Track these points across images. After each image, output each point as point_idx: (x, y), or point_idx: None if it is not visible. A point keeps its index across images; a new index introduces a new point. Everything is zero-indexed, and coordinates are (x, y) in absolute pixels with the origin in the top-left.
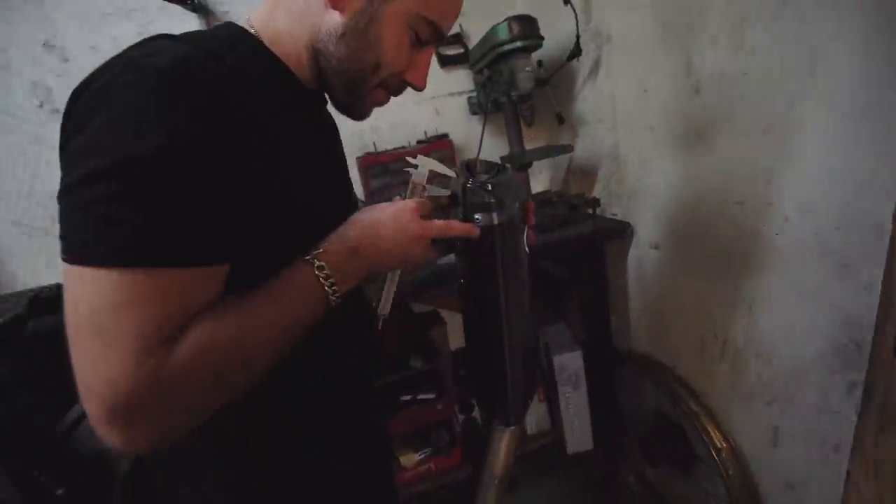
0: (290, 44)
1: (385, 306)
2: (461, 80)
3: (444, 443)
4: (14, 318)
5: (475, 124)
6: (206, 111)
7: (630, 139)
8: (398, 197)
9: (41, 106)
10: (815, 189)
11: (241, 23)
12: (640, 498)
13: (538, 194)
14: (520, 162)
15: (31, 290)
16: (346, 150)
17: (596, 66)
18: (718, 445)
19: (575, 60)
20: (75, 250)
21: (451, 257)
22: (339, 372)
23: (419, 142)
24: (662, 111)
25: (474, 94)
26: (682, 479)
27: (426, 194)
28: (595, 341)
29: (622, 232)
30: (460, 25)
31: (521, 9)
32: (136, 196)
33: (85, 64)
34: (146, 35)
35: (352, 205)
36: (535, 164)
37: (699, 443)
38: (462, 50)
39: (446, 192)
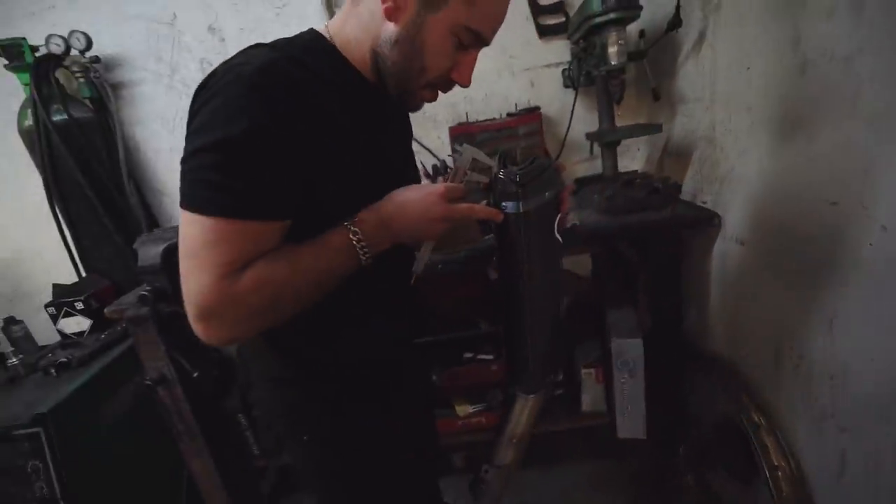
0: (358, 49)
1: (419, 266)
2: (559, 50)
3: (497, 401)
4: (173, 244)
5: (569, 98)
6: (281, 106)
7: (727, 121)
8: (441, 178)
9: None
10: None
11: (320, 29)
12: (692, 496)
13: (626, 174)
14: (606, 139)
15: None
16: (440, 118)
17: (700, 38)
18: (774, 463)
19: (676, 32)
20: (184, 200)
21: None
22: (384, 305)
23: (509, 114)
24: (763, 91)
25: (570, 66)
26: (739, 488)
27: (466, 179)
28: (662, 332)
29: (708, 222)
30: None
31: None
32: (224, 164)
33: (236, 44)
34: (282, 16)
35: (407, 182)
36: (633, 142)
37: (759, 457)
38: (563, 19)
39: (484, 179)
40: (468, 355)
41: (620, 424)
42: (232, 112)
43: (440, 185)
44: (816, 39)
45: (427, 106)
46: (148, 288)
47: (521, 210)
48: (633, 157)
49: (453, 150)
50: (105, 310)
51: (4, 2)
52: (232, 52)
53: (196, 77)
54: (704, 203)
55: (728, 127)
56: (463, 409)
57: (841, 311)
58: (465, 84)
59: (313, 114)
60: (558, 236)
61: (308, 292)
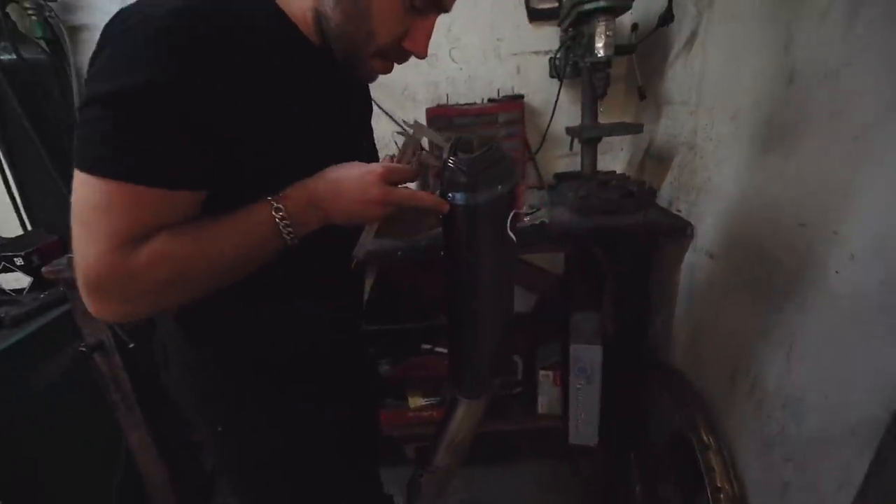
0: (297, 3)
1: (359, 250)
2: (549, 37)
3: (450, 397)
4: None
5: (555, 88)
6: (194, 55)
7: (709, 127)
8: (387, 157)
9: None
10: (894, 228)
11: None
12: None
13: (604, 173)
14: (585, 136)
15: None
16: (419, 97)
17: (692, 36)
18: (718, 485)
19: (668, 28)
20: (76, 157)
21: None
22: (315, 286)
23: (490, 100)
24: (749, 98)
25: (558, 54)
26: (684, 502)
27: (415, 159)
28: (625, 340)
29: (680, 231)
30: None
31: None
32: (119, 120)
33: None
34: None
35: (361, 160)
36: (616, 141)
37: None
38: (556, 4)
39: (437, 162)
40: (426, 346)
41: (573, 430)
42: (133, 60)
43: (379, 165)
44: (807, 45)
45: (407, 83)
46: None
47: (470, 203)
48: (616, 157)
49: (402, 127)
50: (42, 269)
51: None
52: None
53: None
54: (679, 211)
55: (710, 134)
56: (415, 402)
57: (800, 340)
58: (421, 54)
59: (236, 68)
60: (511, 234)
61: (219, 272)
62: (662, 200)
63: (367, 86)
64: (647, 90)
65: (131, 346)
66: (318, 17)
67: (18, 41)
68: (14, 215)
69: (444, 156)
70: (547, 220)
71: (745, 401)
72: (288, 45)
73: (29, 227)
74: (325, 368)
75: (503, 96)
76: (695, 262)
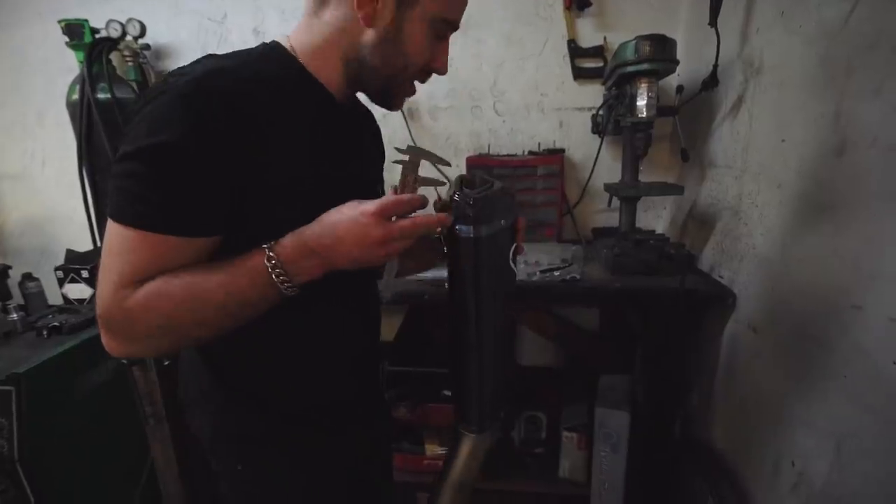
0: (324, 61)
1: (385, 290)
2: (593, 94)
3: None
4: None
5: (597, 143)
6: (211, 118)
7: (755, 194)
8: (391, 189)
9: None
10: None
11: (281, 40)
12: None
13: (643, 232)
14: (623, 194)
15: None
16: (462, 146)
17: (739, 101)
18: None
19: (713, 91)
20: (107, 207)
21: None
22: (336, 329)
23: (530, 152)
24: (797, 168)
25: (600, 111)
26: None
27: (417, 186)
28: (656, 410)
29: (721, 300)
30: (604, 38)
31: (682, 25)
32: (141, 176)
33: None
34: None
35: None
36: (658, 199)
37: None
38: (601, 64)
39: (441, 182)
40: (447, 393)
41: (595, 500)
42: (157, 122)
43: (373, 203)
44: (859, 120)
45: (450, 132)
46: None
47: (474, 235)
48: (658, 215)
49: (398, 153)
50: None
51: None
52: None
53: None
54: (721, 278)
55: (755, 201)
56: (432, 449)
57: (853, 435)
58: (444, 71)
59: (252, 127)
60: (513, 265)
61: (214, 317)
62: (704, 265)
63: (381, 135)
64: (690, 151)
65: (166, 363)
66: (351, 65)
67: (115, 82)
68: (88, 233)
69: (450, 192)
70: (578, 276)
71: (788, 496)
72: (310, 101)
73: (98, 244)
74: (346, 410)
75: (544, 149)
76: (736, 333)
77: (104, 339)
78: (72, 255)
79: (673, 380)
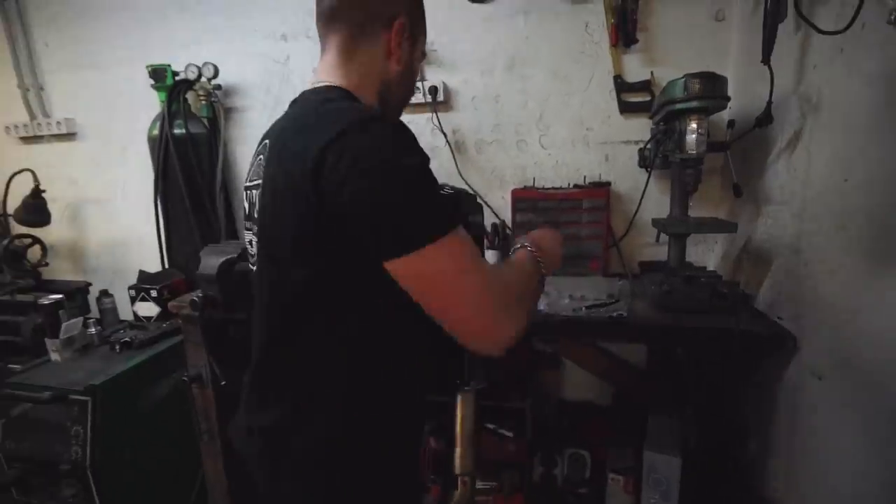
0: (367, 97)
1: None
2: (640, 127)
3: (508, 484)
4: (228, 260)
5: (644, 176)
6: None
7: (816, 233)
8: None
9: None
10: None
11: (335, 84)
12: None
13: (693, 268)
14: (671, 231)
15: None
16: (507, 178)
17: (795, 137)
18: None
19: (768, 127)
20: (413, 238)
21: None
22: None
23: (576, 185)
24: (863, 211)
25: (647, 145)
26: None
27: None
28: (709, 457)
29: (780, 342)
30: (651, 73)
31: (732, 60)
32: (421, 191)
33: None
34: None
35: None
36: (708, 235)
37: None
38: (648, 98)
39: None
40: (490, 426)
41: None
42: (403, 148)
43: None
44: None
45: (495, 165)
46: (200, 294)
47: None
48: (709, 250)
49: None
50: (169, 303)
51: (170, 34)
52: None
53: None
54: (780, 319)
55: (817, 241)
56: None
57: None
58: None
59: None
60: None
61: (535, 291)
62: (761, 304)
63: None
64: (743, 187)
65: (223, 383)
66: (382, 97)
67: (189, 119)
68: (157, 255)
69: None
70: (625, 314)
71: None
72: None
73: (166, 266)
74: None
75: (589, 182)
76: (799, 381)
77: (502, 327)
78: (143, 276)
79: (728, 425)
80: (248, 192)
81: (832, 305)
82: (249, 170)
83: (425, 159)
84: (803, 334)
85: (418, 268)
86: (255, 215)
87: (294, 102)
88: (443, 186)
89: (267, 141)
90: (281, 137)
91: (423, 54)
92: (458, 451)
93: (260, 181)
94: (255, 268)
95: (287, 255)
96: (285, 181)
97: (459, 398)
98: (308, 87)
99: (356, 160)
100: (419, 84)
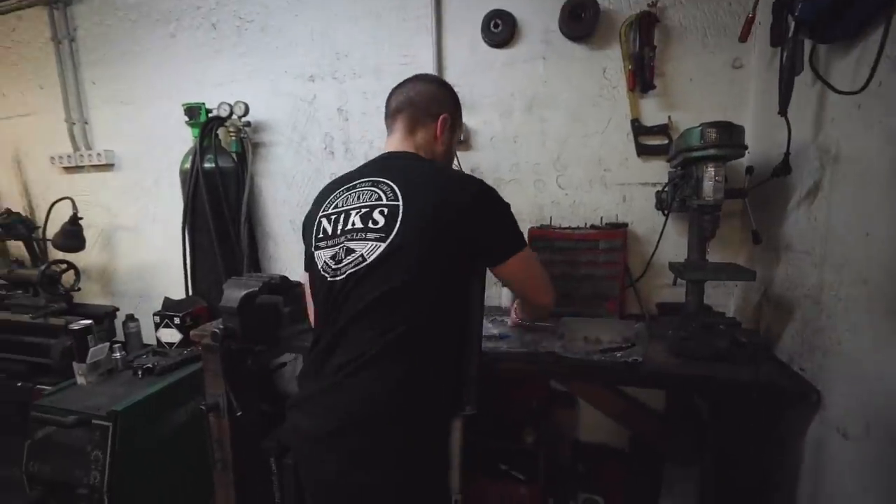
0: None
1: None
2: (657, 170)
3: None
4: (249, 293)
5: (662, 219)
6: None
7: (837, 285)
8: None
9: (325, 149)
10: None
11: (409, 151)
12: None
13: (712, 313)
14: (688, 277)
15: (269, 276)
16: (524, 216)
17: (815, 188)
18: None
19: (786, 177)
20: (516, 245)
21: None
22: None
23: (592, 226)
24: (884, 266)
25: (665, 189)
26: None
27: None
28: None
29: (803, 396)
30: (669, 117)
31: (750, 106)
32: (513, 221)
33: (358, 124)
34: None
35: None
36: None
37: None
38: (665, 141)
39: None
40: (502, 467)
41: None
42: (498, 197)
43: None
44: None
45: (513, 203)
46: (221, 326)
47: None
48: (728, 293)
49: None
50: (191, 332)
51: (205, 74)
52: (353, 130)
53: (319, 146)
54: (803, 371)
55: (839, 294)
56: None
57: None
58: None
59: None
60: None
61: None
62: (782, 353)
63: None
64: (763, 234)
65: (239, 413)
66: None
67: (219, 153)
68: (182, 282)
69: None
70: (640, 359)
71: None
72: None
73: (191, 293)
74: None
75: (606, 223)
76: (823, 438)
77: (553, 301)
78: (168, 303)
79: (748, 481)
80: (338, 216)
81: (858, 362)
82: (327, 197)
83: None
84: (827, 389)
85: (518, 264)
86: (350, 231)
87: (388, 156)
88: None
89: (390, 182)
90: (412, 184)
91: (461, 139)
92: (455, 473)
93: (357, 207)
94: (340, 277)
95: (426, 264)
96: (436, 215)
97: (459, 422)
98: (383, 151)
99: (491, 202)
100: None
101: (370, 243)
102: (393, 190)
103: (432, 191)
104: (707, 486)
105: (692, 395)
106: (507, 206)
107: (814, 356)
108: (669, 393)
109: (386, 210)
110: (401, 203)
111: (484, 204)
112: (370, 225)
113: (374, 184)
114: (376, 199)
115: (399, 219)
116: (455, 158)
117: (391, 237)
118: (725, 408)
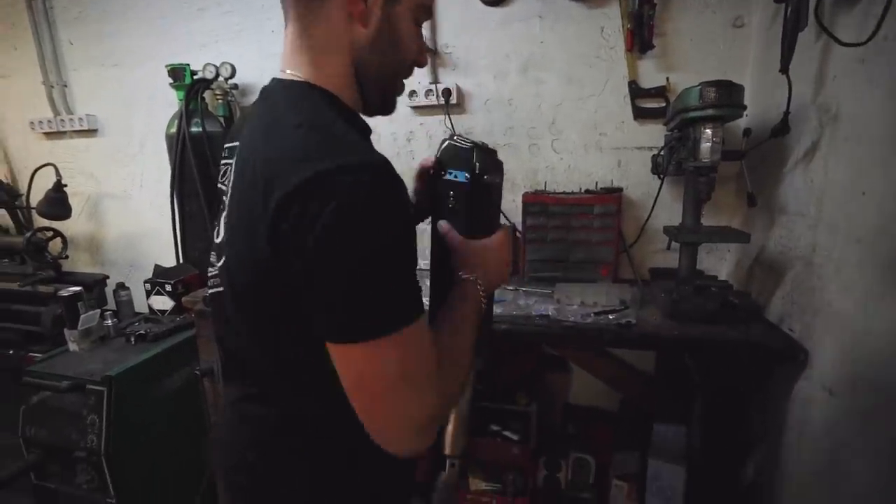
0: (338, 77)
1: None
2: (654, 134)
3: (513, 487)
4: None
5: (657, 183)
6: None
7: (831, 247)
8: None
9: None
10: None
11: (292, 78)
12: None
13: (704, 277)
14: (683, 239)
15: None
16: (518, 182)
17: (813, 148)
18: None
19: (785, 137)
20: (357, 331)
21: None
22: None
23: (587, 191)
24: (879, 225)
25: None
26: None
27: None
28: (715, 467)
29: (791, 355)
30: (667, 79)
31: (750, 68)
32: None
33: None
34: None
35: None
36: (721, 243)
37: None
38: (663, 104)
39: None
40: (494, 428)
41: None
42: (378, 210)
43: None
44: None
45: (507, 168)
46: None
47: (481, 180)
48: (721, 258)
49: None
50: (182, 298)
51: (189, 34)
52: None
53: None
54: (792, 331)
55: (831, 254)
56: (476, 484)
57: None
58: (425, 63)
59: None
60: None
61: (469, 348)
62: (772, 315)
63: None
64: (758, 196)
65: None
66: (358, 70)
67: (206, 118)
68: (173, 249)
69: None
70: (633, 321)
71: None
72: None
73: (181, 260)
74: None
75: (601, 188)
76: (809, 395)
77: (423, 442)
78: (159, 270)
79: (735, 437)
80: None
81: (846, 320)
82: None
83: (404, 226)
84: (815, 348)
85: (359, 363)
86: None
87: (264, 95)
88: (459, 141)
89: (237, 143)
90: (248, 148)
91: (425, 12)
92: (450, 429)
93: (227, 189)
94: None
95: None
96: (240, 213)
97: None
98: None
99: (320, 218)
100: (432, 86)
101: (216, 269)
102: (230, 179)
103: (256, 170)
104: (694, 444)
105: (682, 356)
106: (378, 218)
107: (804, 317)
108: (659, 356)
109: (223, 218)
110: (226, 205)
111: (311, 209)
112: (216, 240)
113: (233, 148)
114: (223, 195)
115: (222, 236)
116: (423, 52)
117: (220, 269)
118: (714, 368)
